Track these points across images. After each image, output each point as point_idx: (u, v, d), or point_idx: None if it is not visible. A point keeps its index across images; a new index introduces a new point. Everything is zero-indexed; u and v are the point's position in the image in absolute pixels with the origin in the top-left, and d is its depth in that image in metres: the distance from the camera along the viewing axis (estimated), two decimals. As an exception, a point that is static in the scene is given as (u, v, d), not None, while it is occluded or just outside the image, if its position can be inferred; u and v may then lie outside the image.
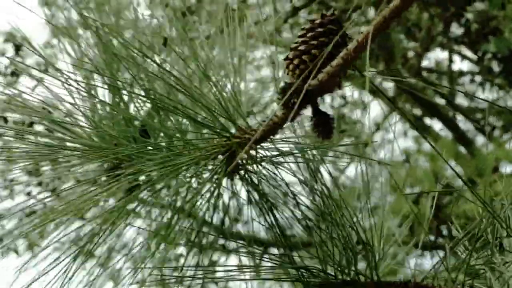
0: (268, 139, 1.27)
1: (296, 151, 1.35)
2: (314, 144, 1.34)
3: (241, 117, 1.29)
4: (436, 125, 7.57)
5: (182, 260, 1.42)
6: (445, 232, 5.42)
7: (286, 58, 1.26)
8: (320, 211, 1.34)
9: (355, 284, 1.37)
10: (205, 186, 1.28)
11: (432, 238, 5.31)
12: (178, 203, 1.30)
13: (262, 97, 1.50)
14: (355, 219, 1.39)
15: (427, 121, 7.63)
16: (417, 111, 7.65)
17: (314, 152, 1.34)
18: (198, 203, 1.29)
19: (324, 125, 1.26)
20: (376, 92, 7.02)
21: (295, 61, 1.24)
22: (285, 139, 1.31)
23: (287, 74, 1.25)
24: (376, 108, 7.91)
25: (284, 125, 1.26)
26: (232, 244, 1.43)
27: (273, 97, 1.49)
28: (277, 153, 1.31)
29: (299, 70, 1.23)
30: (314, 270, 1.36)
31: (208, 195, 1.29)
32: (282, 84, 1.22)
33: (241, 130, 1.26)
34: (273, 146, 1.31)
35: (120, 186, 1.29)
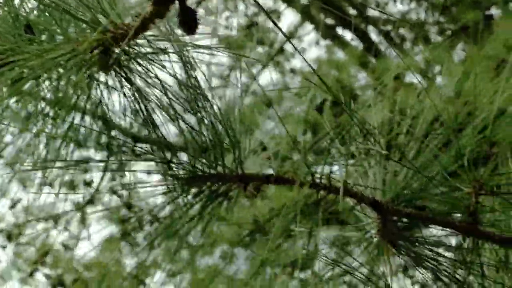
0: (142, 35, 1.35)
1: (171, 50, 1.44)
2: (188, 42, 1.42)
3: (117, 16, 1.36)
4: (348, 35, 7.71)
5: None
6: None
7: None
8: (191, 108, 1.45)
9: (220, 176, 1.50)
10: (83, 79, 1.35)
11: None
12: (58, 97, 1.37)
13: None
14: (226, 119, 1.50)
15: (339, 31, 7.76)
16: (330, 21, 7.75)
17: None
18: (74, 95, 1.37)
19: (189, 22, 1.35)
20: (290, 1, 7.09)
21: (165, -41, 1.30)
22: (159, 37, 1.40)
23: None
24: (290, 17, 7.97)
25: (157, 22, 1.34)
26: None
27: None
28: (151, 50, 1.40)
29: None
30: (184, 165, 1.48)
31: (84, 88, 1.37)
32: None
33: (115, 25, 1.33)
34: (147, 43, 1.39)
35: (4, 78, 1.36)
